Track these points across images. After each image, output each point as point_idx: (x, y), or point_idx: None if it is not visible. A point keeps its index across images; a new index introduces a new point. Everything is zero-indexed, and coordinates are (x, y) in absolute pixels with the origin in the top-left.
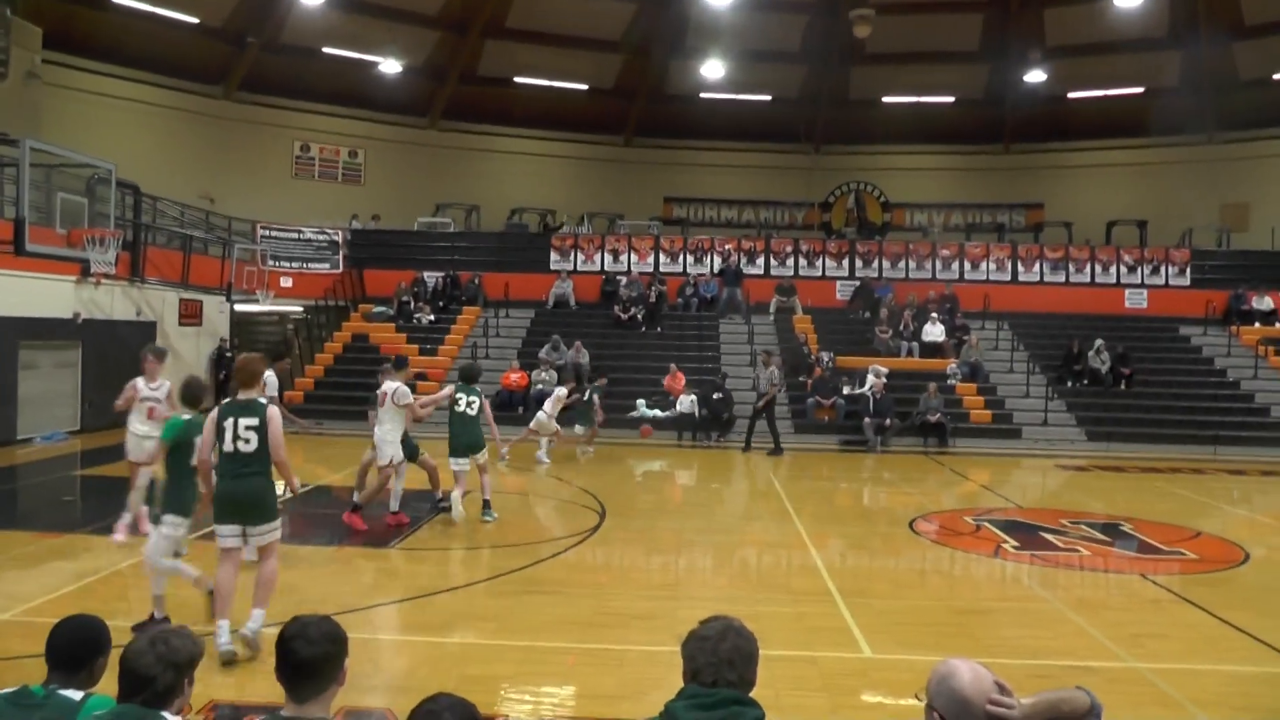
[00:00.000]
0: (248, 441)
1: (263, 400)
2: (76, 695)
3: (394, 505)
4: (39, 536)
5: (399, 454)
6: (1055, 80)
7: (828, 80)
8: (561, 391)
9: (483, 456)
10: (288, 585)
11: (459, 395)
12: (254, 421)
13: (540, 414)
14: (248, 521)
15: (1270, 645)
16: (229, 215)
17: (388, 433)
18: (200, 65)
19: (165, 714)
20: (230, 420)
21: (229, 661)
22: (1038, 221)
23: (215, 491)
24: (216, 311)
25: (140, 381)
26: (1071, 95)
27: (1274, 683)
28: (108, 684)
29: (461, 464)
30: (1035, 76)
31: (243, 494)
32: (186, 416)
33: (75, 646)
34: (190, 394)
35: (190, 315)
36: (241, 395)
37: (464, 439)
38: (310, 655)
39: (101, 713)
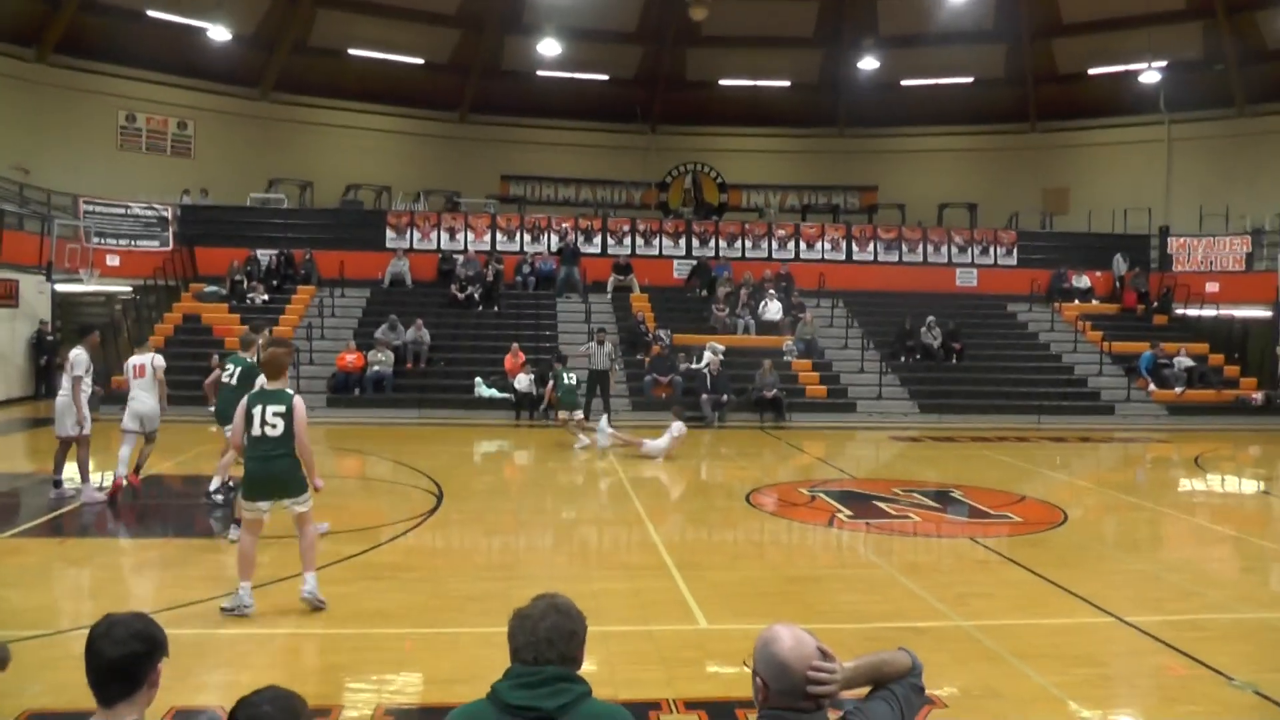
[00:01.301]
0: (274, 427)
1: (290, 390)
2: None
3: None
4: None
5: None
6: (888, 68)
7: (665, 61)
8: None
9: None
10: (103, 582)
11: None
12: (281, 409)
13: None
14: (280, 496)
15: (1084, 599)
16: (47, 188)
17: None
18: (10, 25)
19: None
20: (259, 407)
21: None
22: (872, 203)
23: (245, 471)
24: (35, 292)
25: None
26: (904, 83)
27: (1087, 632)
28: None
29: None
30: (868, 64)
31: (270, 475)
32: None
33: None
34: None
35: (5, 296)
36: (270, 385)
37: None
38: (117, 655)
39: None
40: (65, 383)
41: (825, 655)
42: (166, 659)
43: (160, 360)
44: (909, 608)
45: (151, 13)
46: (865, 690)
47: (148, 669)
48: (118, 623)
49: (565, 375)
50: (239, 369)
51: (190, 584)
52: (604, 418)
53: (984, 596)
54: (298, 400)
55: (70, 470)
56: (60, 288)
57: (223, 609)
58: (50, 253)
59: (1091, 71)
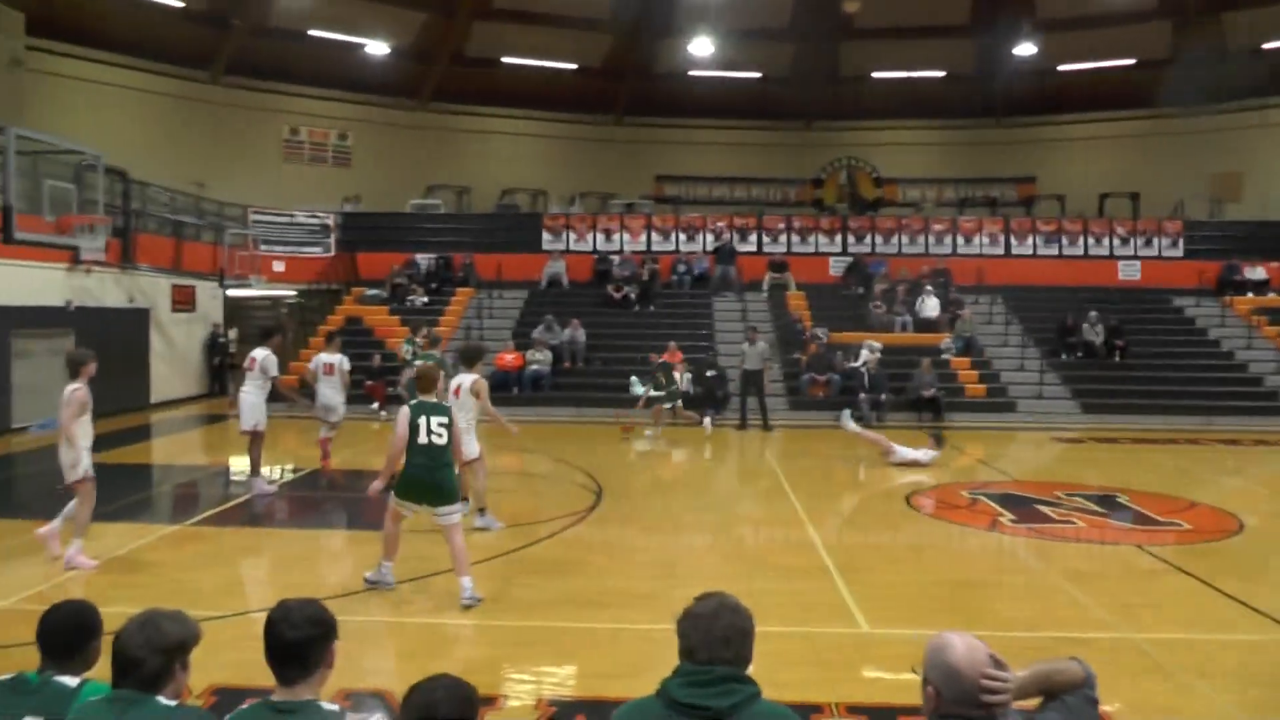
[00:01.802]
0: (440, 436)
1: (446, 404)
2: (72, 681)
3: None
4: (35, 524)
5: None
6: (1045, 53)
7: (818, 57)
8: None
9: None
10: (283, 568)
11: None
12: (445, 420)
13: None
14: (434, 503)
15: (1264, 613)
16: (219, 200)
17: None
18: (186, 49)
19: (159, 698)
20: (424, 418)
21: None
22: (1030, 195)
23: (406, 473)
24: (209, 297)
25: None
26: (1062, 68)
27: (1268, 650)
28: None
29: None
30: (1025, 50)
31: (433, 483)
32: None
33: (67, 633)
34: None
35: (183, 301)
36: (426, 398)
37: None
38: (295, 639)
39: (95, 699)
40: (253, 381)
41: (998, 664)
42: (338, 642)
43: (346, 361)
44: (1073, 617)
45: (313, 32)
46: (1036, 701)
47: (323, 651)
48: (294, 608)
49: (660, 377)
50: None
51: (357, 573)
52: (845, 412)
53: (1153, 608)
54: (455, 413)
55: (242, 463)
56: (231, 293)
57: (366, 578)
58: (223, 260)
59: (1267, 45)
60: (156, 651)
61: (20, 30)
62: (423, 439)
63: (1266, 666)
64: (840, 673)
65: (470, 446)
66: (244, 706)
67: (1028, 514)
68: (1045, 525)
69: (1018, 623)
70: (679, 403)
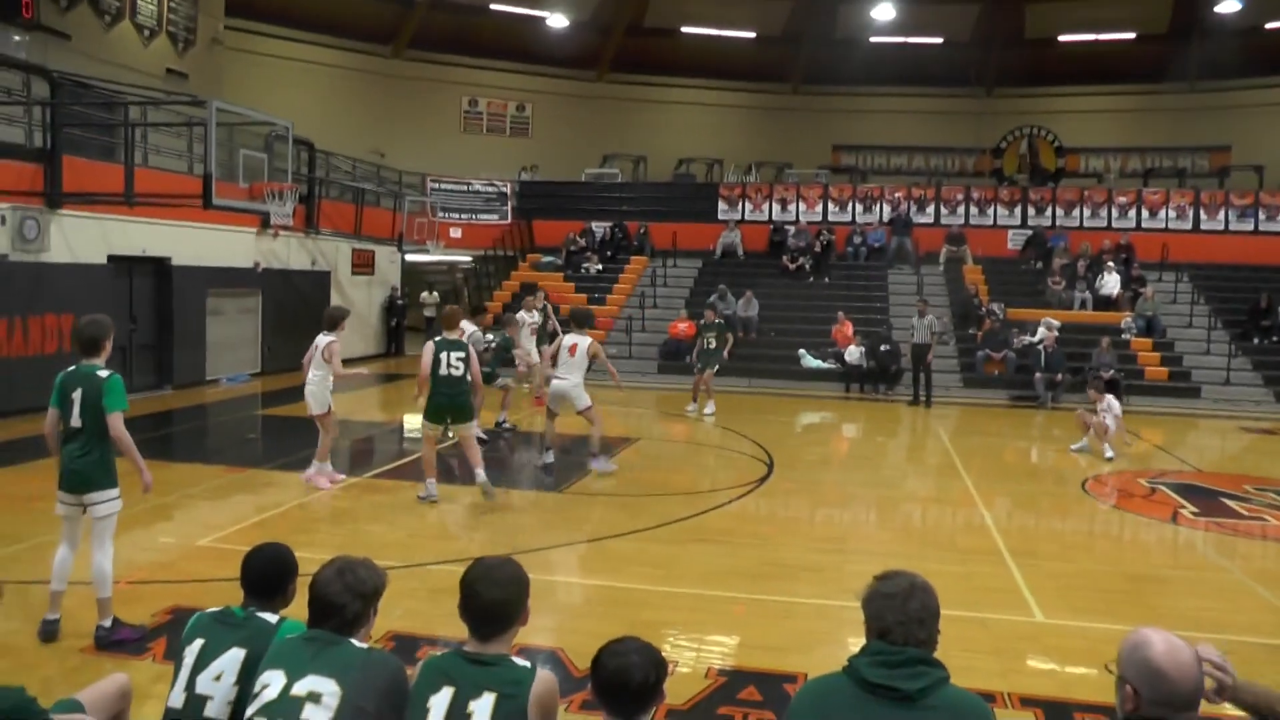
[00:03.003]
0: (457, 368)
1: (465, 340)
2: (273, 618)
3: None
4: (226, 471)
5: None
6: (1250, 9)
7: (1002, 20)
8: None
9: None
10: (458, 523)
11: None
12: (462, 354)
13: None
14: (455, 420)
15: None
16: (399, 169)
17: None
18: (370, 25)
19: (353, 640)
20: (445, 353)
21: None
22: (1223, 165)
23: (432, 400)
24: (388, 261)
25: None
26: (1269, 26)
27: None
28: (297, 609)
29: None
30: (1228, 6)
31: (453, 405)
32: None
33: (268, 573)
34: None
35: (362, 265)
36: (449, 335)
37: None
38: (495, 598)
39: (294, 635)
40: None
41: (1215, 665)
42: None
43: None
44: (1266, 621)
45: (494, 6)
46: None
47: (519, 609)
48: (494, 565)
49: (707, 338)
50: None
51: (531, 532)
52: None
53: None
54: (473, 349)
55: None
56: (410, 258)
57: (419, 496)
58: (401, 226)
59: None
60: (356, 597)
61: (220, 11)
62: (443, 370)
63: None
64: (1013, 662)
65: (583, 398)
66: (437, 654)
67: (1212, 507)
68: (1232, 520)
69: (1201, 622)
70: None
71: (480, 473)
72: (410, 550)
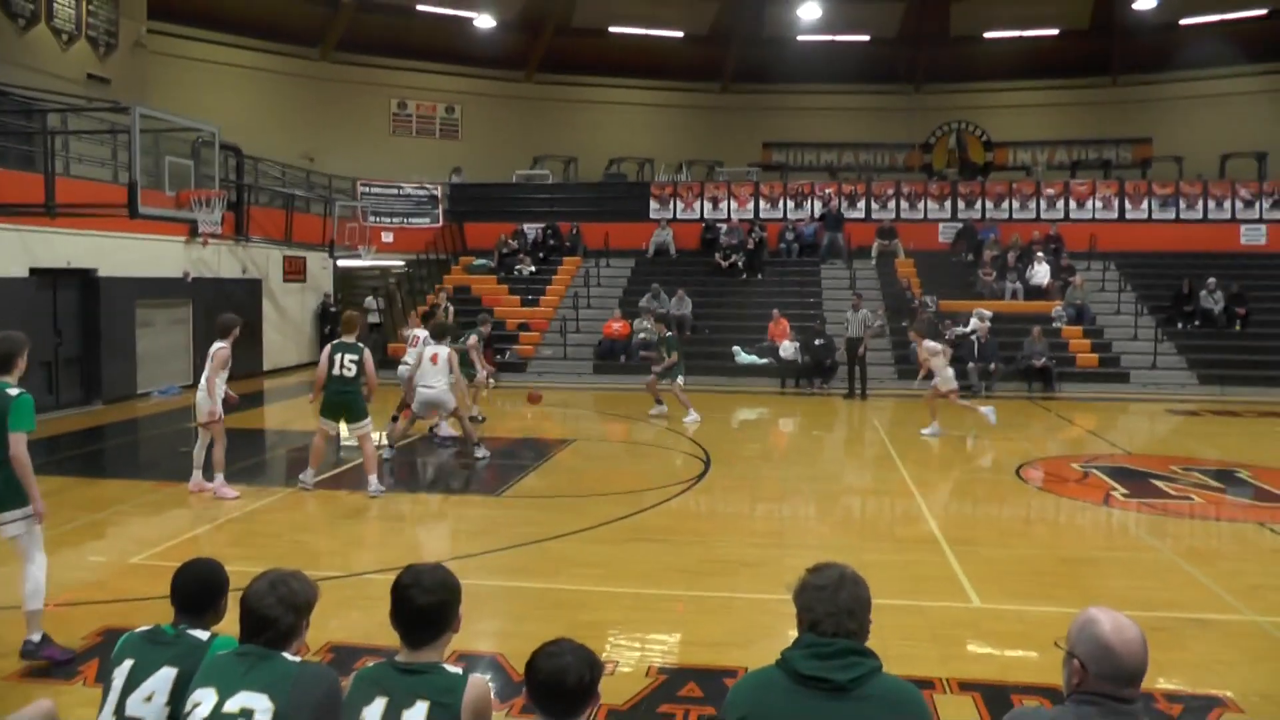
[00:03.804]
0: (350, 369)
1: (360, 344)
2: (204, 635)
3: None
4: (159, 486)
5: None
6: (1166, 6)
7: (927, 17)
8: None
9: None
10: (396, 531)
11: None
12: (355, 357)
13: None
14: (348, 420)
15: None
16: (329, 173)
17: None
18: (298, 27)
19: (285, 654)
20: (340, 355)
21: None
22: (1146, 157)
23: (324, 400)
24: (319, 267)
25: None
26: (1184, 21)
27: None
28: (228, 624)
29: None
30: (1145, 3)
31: (343, 404)
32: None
33: (199, 589)
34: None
35: (294, 272)
36: (346, 338)
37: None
38: (426, 603)
39: (226, 652)
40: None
41: None
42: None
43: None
44: (1193, 597)
45: (421, 7)
46: None
47: (451, 615)
48: (424, 572)
49: (661, 351)
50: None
51: (472, 536)
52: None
53: (1279, 589)
54: (367, 352)
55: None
56: (341, 263)
57: (300, 480)
58: (332, 231)
59: None
60: (289, 609)
61: (143, 14)
62: (336, 370)
63: None
64: (951, 648)
65: (451, 401)
66: (369, 665)
67: (1142, 488)
68: (1160, 500)
69: (1133, 601)
70: (680, 379)
71: (373, 480)
72: (348, 559)
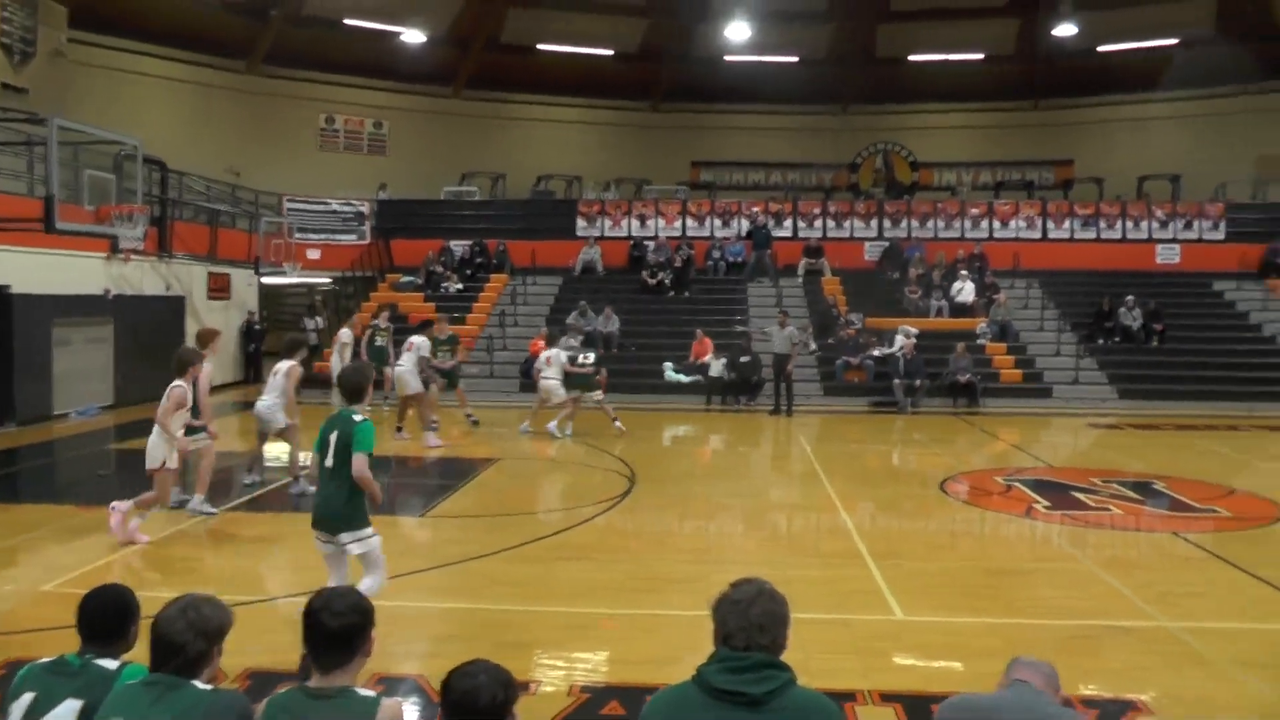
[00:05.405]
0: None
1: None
2: (112, 664)
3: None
4: (77, 510)
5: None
6: (1086, 34)
7: (855, 39)
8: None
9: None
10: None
11: None
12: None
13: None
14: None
15: None
16: (255, 189)
17: None
18: (224, 39)
19: (196, 683)
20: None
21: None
22: (1067, 178)
23: None
24: (245, 285)
25: None
26: (1103, 48)
27: None
28: (140, 652)
29: None
30: (1066, 30)
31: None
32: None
33: (107, 616)
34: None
35: (219, 289)
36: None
37: None
38: (336, 627)
39: (134, 681)
40: (407, 358)
41: None
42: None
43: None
44: (1112, 606)
45: (349, 21)
46: None
47: (363, 639)
48: (335, 596)
49: (582, 356)
50: None
51: (389, 558)
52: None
53: (1193, 596)
54: (207, 367)
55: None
56: (266, 280)
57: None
58: (258, 248)
59: None
60: (200, 636)
61: (63, 22)
62: None
63: None
64: (875, 660)
65: (277, 419)
66: (280, 691)
67: (1063, 501)
68: (1081, 512)
69: (1054, 611)
70: (597, 393)
71: (194, 498)
72: (269, 583)
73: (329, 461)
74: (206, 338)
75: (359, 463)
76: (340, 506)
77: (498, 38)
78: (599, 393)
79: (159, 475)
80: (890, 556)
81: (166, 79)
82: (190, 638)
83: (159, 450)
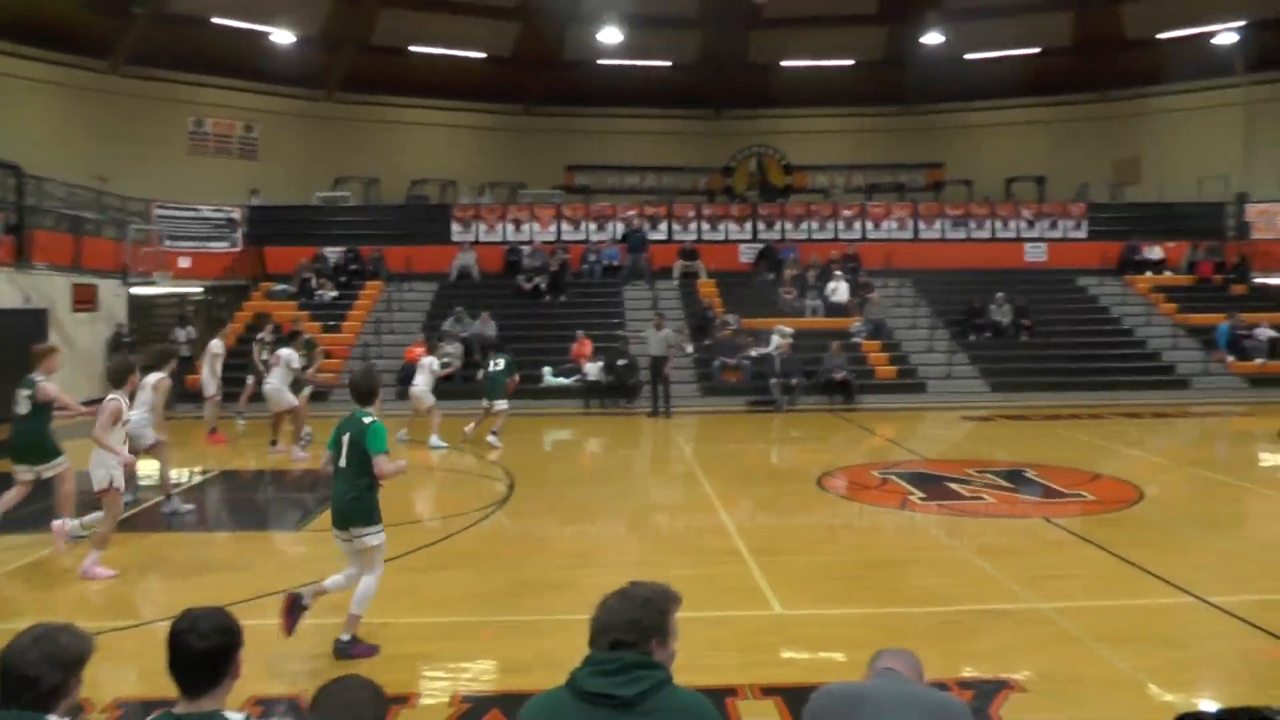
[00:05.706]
0: (20, 404)
1: (37, 379)
2: None
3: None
4: None
5: None
6: (952, 42)
7: (726, 45)
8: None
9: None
10: (188, 572)
11: None
12: (28, 392)
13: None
14: (31, 462)
15: (1164, 579)
16: (122, 195)
17: None
18: (85, 37)
19: (50, 717)
20: (18, 390)
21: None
22: (938, 180)
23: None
24: (113, 296)
25: None
26: (969, 56)
27: (1169, 614)
28: None
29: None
30: (933, 39)
31: (17, 442)
32: None
33: None
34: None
35: (84, 301)
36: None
37: None
38: (203, 649)
39: None
40: (276, 373)
41: None
42: (243, 649)
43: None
44: (986, 591)
45: (216, 19)
46: None
47: (230, 660)
48: (201, 616)
49: (493, 361)
50: None
51: (265, 577)
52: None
53: (1061, 578)
54: (43, 384)
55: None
56: (136, 290)
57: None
58: (126, 257)
59: (1161, 35)
60: (55, 667)
61: None
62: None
63: (1168, 628)
64: (755, 655)
65: (146, 435)
66: (150, 718)
67: (938, 492)
68: (955, 502)
69: (930, 598)
70: (502, 402)
71: (72, 523)
72: (139, 607)
73: (343, 462)
74: (40, 356)
75: (379, 464)
76: (354, 503)
77: (369, 39)
78: (504, 402)
79: (107, 498)
80: (769, 553)
81: (22, 78)
82: (45, 670)
83: (102, 471)
